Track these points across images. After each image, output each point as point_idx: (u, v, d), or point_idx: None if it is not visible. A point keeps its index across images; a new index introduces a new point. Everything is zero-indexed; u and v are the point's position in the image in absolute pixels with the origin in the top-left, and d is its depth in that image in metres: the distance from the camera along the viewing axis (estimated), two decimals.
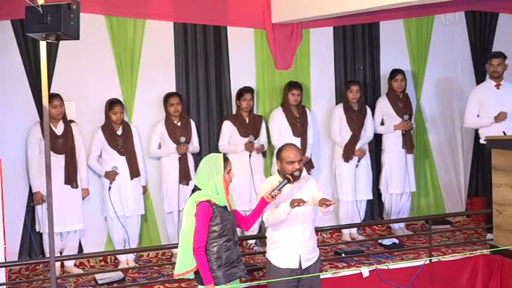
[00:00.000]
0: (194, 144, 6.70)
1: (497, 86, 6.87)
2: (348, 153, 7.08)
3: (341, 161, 7.12)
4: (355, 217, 7.19)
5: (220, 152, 6.03)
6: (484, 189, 7.30)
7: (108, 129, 6.39)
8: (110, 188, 6.34)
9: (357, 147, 7.10)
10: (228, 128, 6.82)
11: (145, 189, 6.60)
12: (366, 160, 7.23)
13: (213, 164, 4.40)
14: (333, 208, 4.64)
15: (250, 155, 6.74)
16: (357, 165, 7.11)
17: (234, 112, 7.00)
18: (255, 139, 6.77)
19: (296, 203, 4.49)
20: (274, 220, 4.63)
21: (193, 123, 6.75)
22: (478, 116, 6.89)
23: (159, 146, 6.66)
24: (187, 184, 6.46)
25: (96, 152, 6.40)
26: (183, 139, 6.52)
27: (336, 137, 7.17)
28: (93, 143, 6.39)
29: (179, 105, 6.57)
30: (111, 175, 6.33)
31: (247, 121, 6.84)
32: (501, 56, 6.89)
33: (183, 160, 6.53)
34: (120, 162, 6.37)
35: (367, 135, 7.20)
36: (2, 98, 6.21)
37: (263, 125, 6.96)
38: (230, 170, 4.47)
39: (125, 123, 6.48)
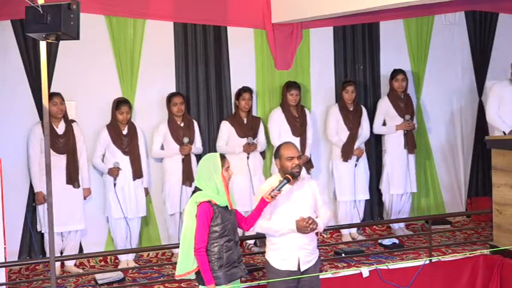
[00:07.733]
0: (197, 145, 6.67)
1: None
2: (347, 152, 7.07)
3: (339, 161, 7.11)
4: (354, 217, 7.18)
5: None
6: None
7: (113, 128, 6.38)
8: (115, 185, 6.31)
9: (355, 146, 7.10)
10: (226, 129, 6.80)
11: (147, 192, 6.58)
12: (364, 159, 7.22)
13: (211, 163, 4.41)
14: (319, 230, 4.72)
15: (248, 157, 6.73)
16: (356, 165, 7.11)
17: (233, 112, 7.00)
18: (253, 140, 6.75)
19: (306, 225, 4.56)
20: (269, 232, 4.68)
21: (196, 124, 6.72)
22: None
23: (162, 147, 6.65)
24: (190, 185, 6.41)
25: (100, 151, 6.38)
26: (186, 140, 6.49)
27: (332, 138, 7.16)
28: (97, 142, 6.37)
29: (182, 105, 6.56)
30: (113, 171, 6.30)
31: (245, 122, 6.83)
32: None
33: (186, 161, 6.51)
34: (123, 162, 6.35)
35: (364, 133, 7.19)
36: (2, 98, 6.20)
37: (261, 126, 6.95)
38: (228, 167, 4.47)
39: (131, 123, 6.47)
